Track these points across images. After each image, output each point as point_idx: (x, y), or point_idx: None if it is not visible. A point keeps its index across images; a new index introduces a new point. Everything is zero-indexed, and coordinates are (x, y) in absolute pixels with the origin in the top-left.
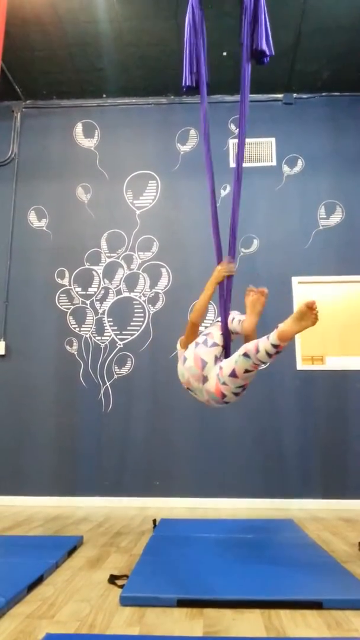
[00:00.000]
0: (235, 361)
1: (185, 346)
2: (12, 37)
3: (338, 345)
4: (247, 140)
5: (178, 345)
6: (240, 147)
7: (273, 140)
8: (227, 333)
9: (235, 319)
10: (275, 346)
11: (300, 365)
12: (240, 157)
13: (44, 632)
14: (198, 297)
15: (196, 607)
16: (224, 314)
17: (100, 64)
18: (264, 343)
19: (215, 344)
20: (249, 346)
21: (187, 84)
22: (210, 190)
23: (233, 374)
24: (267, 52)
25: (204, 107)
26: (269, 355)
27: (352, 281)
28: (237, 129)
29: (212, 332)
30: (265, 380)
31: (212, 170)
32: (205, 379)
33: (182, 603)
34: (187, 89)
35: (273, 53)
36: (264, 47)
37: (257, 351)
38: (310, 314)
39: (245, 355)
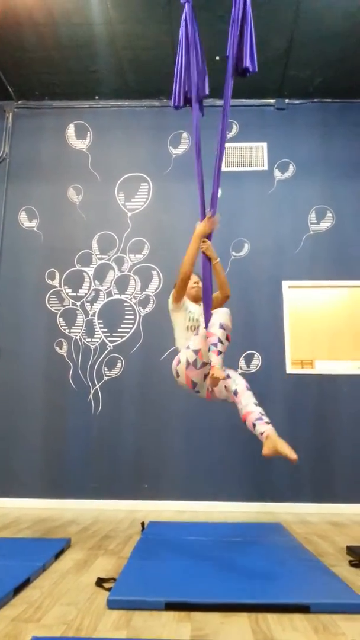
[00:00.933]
0: (226, 392)
1: (177, 301)
2: (5, 37)
3: (327, 350)
4: (239, 144)
5: (170, 301)
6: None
7: (265, 145)
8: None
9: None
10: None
11: (290, 369)
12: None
13: (30, 636)
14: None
15: (184, 611)
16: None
17: (93, 66)
18: (250, 419)
19: (204, 365)
20: (242, 409)
21: (176, 104)
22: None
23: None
24: (251, 69)
25: (196, 125)
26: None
27: (341, 286)
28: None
29: (202, 350)
30: (255, 384)
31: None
32: (197, 392)
33: (170, 606)
34: (176, 108)
35: (256, 70)
36: (248, 64)
37: (244, 420)
38: (285, 455)
39: (234, 402)
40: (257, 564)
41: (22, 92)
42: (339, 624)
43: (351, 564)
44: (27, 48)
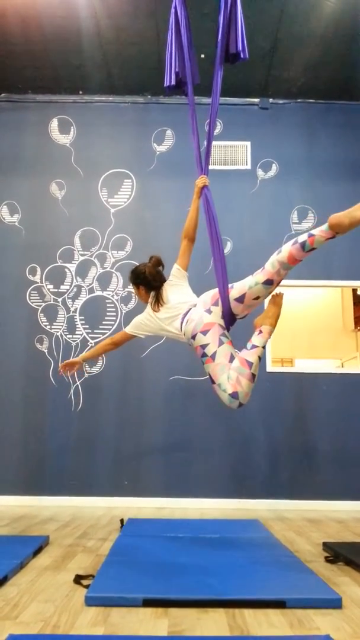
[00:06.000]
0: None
1: (184, 268)
2: None
3: (307, 348)
4: (223, 143)
5: (177, 266)
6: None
7: (248, 144)
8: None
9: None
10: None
11: (270, 367)
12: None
13: (7, 633)
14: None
15: (162, 607)
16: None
17: (77, 61)
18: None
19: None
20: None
21: (168, 83)
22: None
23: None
24: (241, 55)
25: (192, 102)
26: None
27: (321, 286)
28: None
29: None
30: None
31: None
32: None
33: (147, 603)
34: (168, 89)
35: (247, 57)
36: (239, 49)
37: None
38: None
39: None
40: (234, 560)
41: (5, 85)
42: (313, 619)
43: (327, 560)
44: (11, 40)
